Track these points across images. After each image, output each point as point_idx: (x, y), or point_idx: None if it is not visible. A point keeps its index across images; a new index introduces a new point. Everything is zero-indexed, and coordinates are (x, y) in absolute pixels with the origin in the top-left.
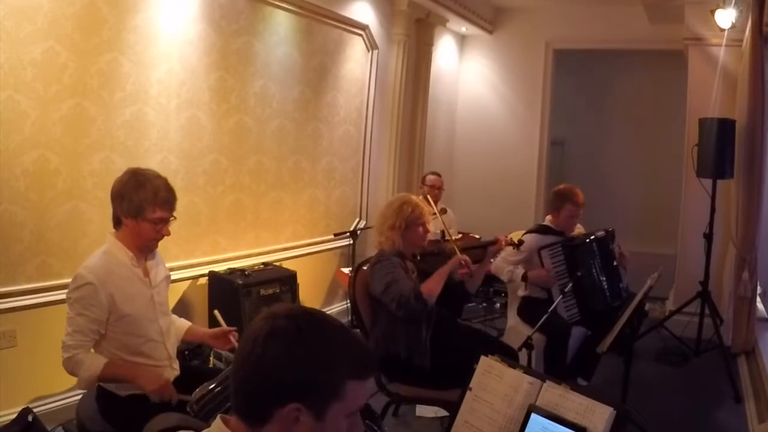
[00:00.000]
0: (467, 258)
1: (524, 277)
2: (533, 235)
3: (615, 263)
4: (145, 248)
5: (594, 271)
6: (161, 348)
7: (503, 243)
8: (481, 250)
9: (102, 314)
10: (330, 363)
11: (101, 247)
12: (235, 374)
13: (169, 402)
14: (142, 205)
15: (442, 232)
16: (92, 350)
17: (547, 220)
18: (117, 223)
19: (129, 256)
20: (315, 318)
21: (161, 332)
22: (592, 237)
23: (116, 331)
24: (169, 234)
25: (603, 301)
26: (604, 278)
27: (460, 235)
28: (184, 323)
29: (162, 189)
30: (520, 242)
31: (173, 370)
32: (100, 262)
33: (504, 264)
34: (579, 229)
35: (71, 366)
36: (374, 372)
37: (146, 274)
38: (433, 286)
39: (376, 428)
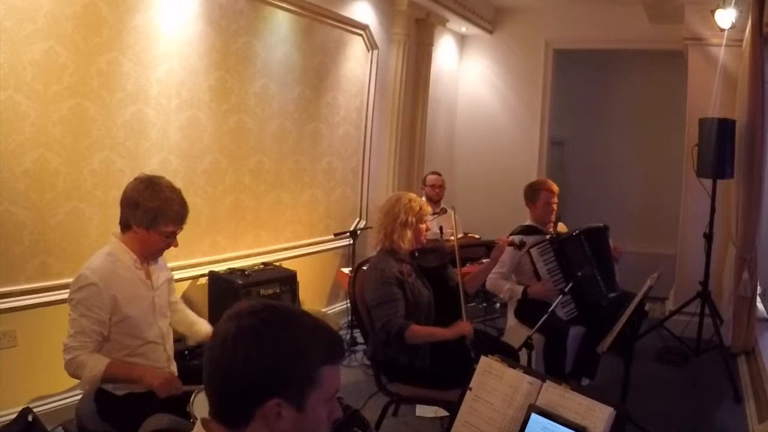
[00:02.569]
0: (470, 330)
1: (525, 293)
2: (518, 236)
3: (609, 257)
4: (150, 256)
5: (585, 264)
6: (160, 350)
7: (504, 244)
8: (479, 249)
9: (105, 315)
10: (301, 352)
11: (104, 248)
12: (209, 381)
13: (175, 395)
14: (156, 217)
15: (441, 228)
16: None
17: (529, 219)
18: (125, 227)
19: (132, 259)
20: (278, 311)
21: (161, 335)
22: (579, 230)
23: (116, 332)
24: (176, 245)
25: (599, 293)
26: (596, 270)
27: (460, 235)
28: (204, 327)
29: (176, 203)
30: (522, 243)
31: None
32: (103, 263)
33: (501, 282)
34: (563, 229)
35: (73, 368)
36: (345, 354)
37: (148, 276)
38: (421, 336)
39: None
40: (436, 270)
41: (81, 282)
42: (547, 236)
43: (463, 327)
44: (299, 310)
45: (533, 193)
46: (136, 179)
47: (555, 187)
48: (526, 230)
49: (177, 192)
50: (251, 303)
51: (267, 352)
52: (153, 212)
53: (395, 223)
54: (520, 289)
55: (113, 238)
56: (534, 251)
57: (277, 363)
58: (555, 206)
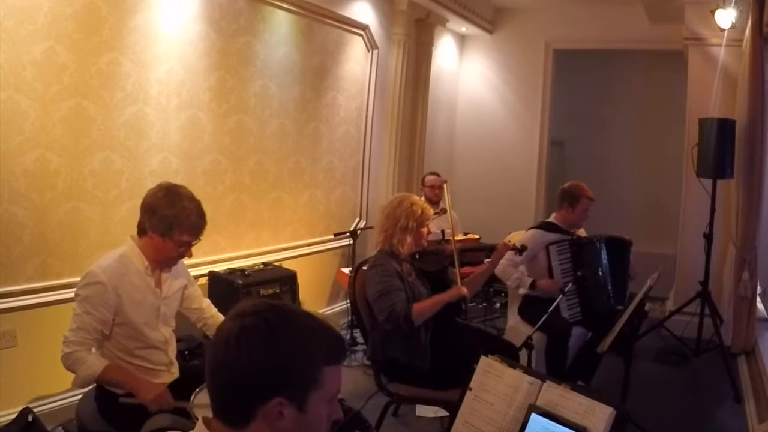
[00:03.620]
0: (467, 293)
1: (532, 286)
2: (539, 231)
3: (627, 274)
4: (163, 263)
5: (599, 271)
6: (162, 354)
7: (504, 249)
8: (480, 253)
9: (108, 315)
10: (304, 352)
11: (119, 249)
12: (212, 380)
13: (166, 410)
14: (172, 226)
15: (443, 231)
16: (93, 350)
17: (554, 217)
18: (142, 232)
19: (144, 265)
20: (281, 310)
21: (164, 341)
22: (601, 238)
23: (119, 333)
24: (191, 256)
25: (605, 302)
26: (609, 279)
27: (461, 237)
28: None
29: (194, 214)
30: (523, 248)
31: (172, 375)
32: (114, 264)
33: (511, 269)
34: (581, 232)
35: (70, 362)
36: (346, 355)
37: (158, 284)
38: (425, 311)
39: None
40: (437, 273)
41: (89, 279)
42: (568, 237)
43: (459, 289)
44: (302, 310)
45: (574, 198)
46: (157, 185)
47: (592, 193)
48: (547, 227)
49: (196, 203)
50: (254, 302)
51: (270, 352)
52: (168, 220)
53: (395, 227)
54: (528, 280)
55: (130, 241)
56: (552, 248)
57: (280, 363)
58: (589, 214)
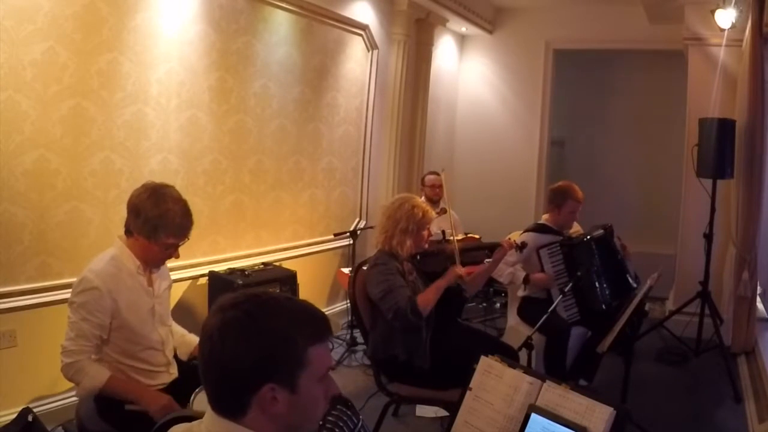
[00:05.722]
0: (464, 273)
1: (526, 280)
2: (531, 234)
3: (619, 259)
4: (151, 263)
5: (593, 270)
6: (160, 355)
7: (507, 247)
8: (481, 252)
9: (106, 319)
10: (287, 337)
11: (109, 251)
12: (204, 377)
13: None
14: (157, 229)
15: (443, 232)
16: (93, 358)
17: (545, 218)
18: (129, 232)
19: (136, 265)
20: (261, 299)
21: (161, 341)
22: (591, 236)
23: (117, 336)
24: (178, 257)
25: (602, 301)
26: (603, 277)
27: (461, 236)
28: (193, 339)
29: (179, 216)
30: (523, 245)
31: (170, 375)
32: (107, 267)
33: (503, 266)
34: (576, 229)
35: (72, 372)
36: (330, 332)
37: (150, 283)
38: (429, 299)
39: (350, 413)
40: (438, 274)
41: (84, 285)
42: (559, 238)
43: (455, 270)
44: (281, 295)
45: (560, 199)
46: (143, 185)
47: (581, 195)
48: (540, 229)
49: (181, 203)
50: (234, 295)
51: (253, 343)
52: (153, 222)
53: (395, 228)
54: (521, 274)
55: (118, 241)
56: (543, 252)
57: (264, 351)
58: (577, 215)
